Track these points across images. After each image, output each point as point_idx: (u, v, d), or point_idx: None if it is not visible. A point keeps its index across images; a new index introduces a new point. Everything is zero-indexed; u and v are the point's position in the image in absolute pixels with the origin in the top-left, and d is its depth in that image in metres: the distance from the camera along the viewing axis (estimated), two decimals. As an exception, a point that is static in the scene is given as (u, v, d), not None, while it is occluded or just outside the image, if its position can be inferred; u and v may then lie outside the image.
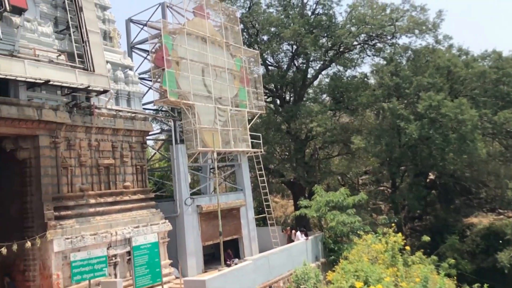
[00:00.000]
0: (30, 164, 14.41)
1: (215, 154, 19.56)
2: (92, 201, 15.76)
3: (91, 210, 15.56)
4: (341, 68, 31.51)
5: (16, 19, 13.87)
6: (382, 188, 36.79)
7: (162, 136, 28.97)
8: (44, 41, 14.80)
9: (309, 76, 31.69)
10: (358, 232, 21.96)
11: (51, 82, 14.01)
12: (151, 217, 17.52)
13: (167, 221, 18.12)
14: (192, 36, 21.34)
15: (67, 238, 14.12)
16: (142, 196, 17.81)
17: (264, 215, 24.23)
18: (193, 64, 20.93)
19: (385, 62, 30.62)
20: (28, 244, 13.20)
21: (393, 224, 21.18)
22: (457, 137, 25.81)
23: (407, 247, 17.96)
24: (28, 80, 13.46)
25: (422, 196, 29.84)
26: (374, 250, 17.26)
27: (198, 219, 20.08)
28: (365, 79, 32.14)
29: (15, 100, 13.59)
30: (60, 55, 15.04)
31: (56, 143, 14.65)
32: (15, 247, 12.78)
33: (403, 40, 34.77)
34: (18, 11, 13.58)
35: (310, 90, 33.33)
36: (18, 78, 13.21)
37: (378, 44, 30.68)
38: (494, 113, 28.09)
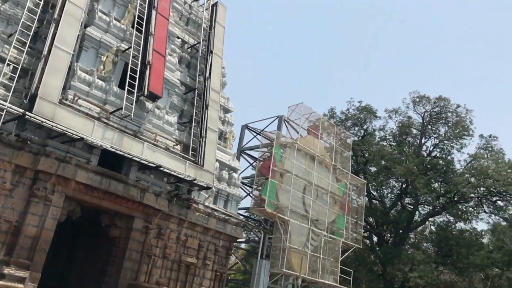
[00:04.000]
0: (119, 243, 14.06)
1: (299, 281, 17.76)
2: (164, 298, 14.65)
3: (161, 308, 14.40)
4: (451, 219, 28.53)
5: (149, 105, 14.75)
6: None
7: (243, 246, 27.84)
8: (167, 129, 15.41)
9: (414, 219, 29.12)
10: None
11: (161, 168, 14.17)
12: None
13: None
14: (301, 152, 21.21)
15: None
16: (215, 307, 16.30)
17: None
18: (296, 179, 20.51)
19: (506, 223, 27.10)
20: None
21: None
22: None
23: None
24: (142, 161, 13.74)
25: None
26: None
27: None
28: (477, 237, 28.41)
29: (124, 178, 13.80)
30: (176, 144, 15.48)
31: (148, 228, 14.30)
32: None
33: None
34: (153, 97, 14.50)
35: (412, 235, 30.40)
36: (134, 158, 13.55)
37: (499, 202, 27.61)
38: None
